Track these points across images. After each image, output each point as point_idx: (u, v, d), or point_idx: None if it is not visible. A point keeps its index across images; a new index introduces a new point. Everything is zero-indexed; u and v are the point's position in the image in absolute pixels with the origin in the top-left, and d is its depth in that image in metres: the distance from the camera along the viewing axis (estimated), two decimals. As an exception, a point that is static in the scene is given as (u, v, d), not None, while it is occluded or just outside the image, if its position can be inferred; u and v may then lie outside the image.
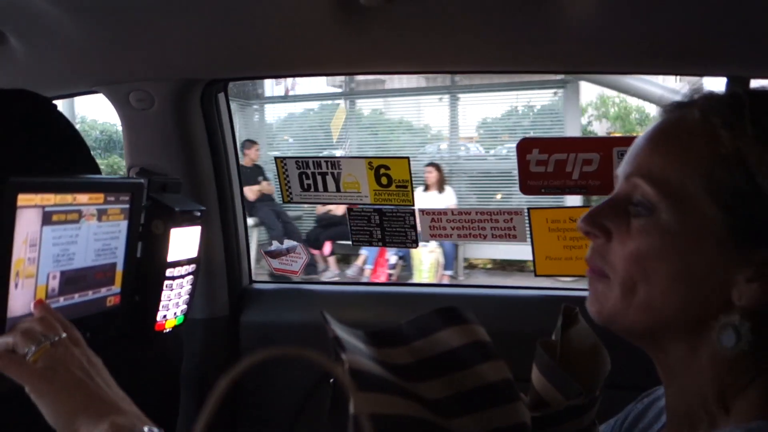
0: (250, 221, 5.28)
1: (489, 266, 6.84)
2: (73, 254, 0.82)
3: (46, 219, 0.76)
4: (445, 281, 5.68)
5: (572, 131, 6.44)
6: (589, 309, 0.58)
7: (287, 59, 1.25)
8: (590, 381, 0.62)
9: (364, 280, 5.86)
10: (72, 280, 0.82)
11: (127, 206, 0.91)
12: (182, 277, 1.09)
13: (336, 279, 6.04)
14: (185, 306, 1.13)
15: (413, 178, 1.34)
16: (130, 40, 1.13)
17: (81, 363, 0.67)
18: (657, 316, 0.53)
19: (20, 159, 0.83)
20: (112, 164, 7.83)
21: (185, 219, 1.07)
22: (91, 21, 1.05)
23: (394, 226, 1.41)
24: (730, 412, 0.52)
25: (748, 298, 0.50)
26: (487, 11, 0.97)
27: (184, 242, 1.08)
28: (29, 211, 0.73)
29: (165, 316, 1.08)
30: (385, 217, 1.40)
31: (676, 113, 0.56)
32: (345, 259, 6.51)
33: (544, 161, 1.26)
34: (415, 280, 5.65)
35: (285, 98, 8.17)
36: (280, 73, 1.68)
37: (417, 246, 1.43)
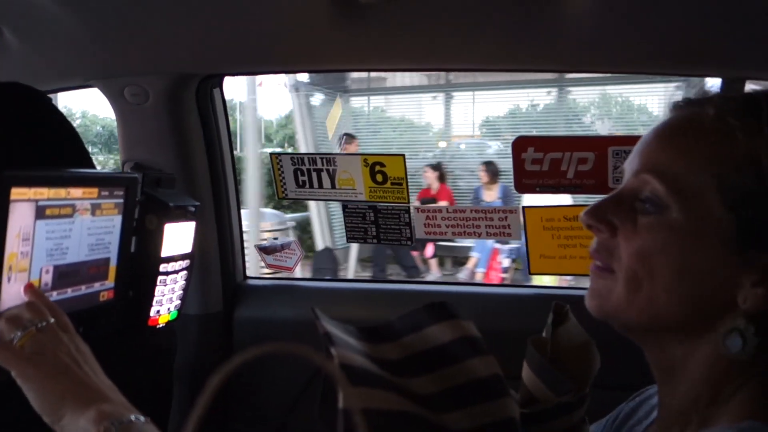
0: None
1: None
2: (67, 249, 0.81)
3: (40, 213, 0.76)
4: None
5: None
6: (588, 303, 0.58)
7: (283, 54, 1.24)
8: (580, 378, 0.62)
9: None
10: (65, 275, 0.82)
11: (121, 201, 0.91)
12: (176, 272, 1.09)
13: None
14: (179, 301, 1.13)
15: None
16: (125, 35, 1.12)
17: (68, 349, 0.67)
18: (659, 314, 0.53)
19: (14, 153, 0.83)
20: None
21: (179, 214, 1.07)
22: (86, 15, 1.05)
23: (389, 224, 1.40)
24: (722, 412, 0.52)
25: (753, 302, 0.49)
26: (487, 9, 0.97)
27: (178, 237, 1.07)
28: (22, 205, 0.73)
29: (158, 312, 1.08)
30: (380, 214, 1.40)
31: (688, 110, 0.55)
32: (456, 261, 6.05)
33: (540, 160, 1.26)
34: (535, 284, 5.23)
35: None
36: (275, 68, 1.67)
37: (412, 243, 1.43)
